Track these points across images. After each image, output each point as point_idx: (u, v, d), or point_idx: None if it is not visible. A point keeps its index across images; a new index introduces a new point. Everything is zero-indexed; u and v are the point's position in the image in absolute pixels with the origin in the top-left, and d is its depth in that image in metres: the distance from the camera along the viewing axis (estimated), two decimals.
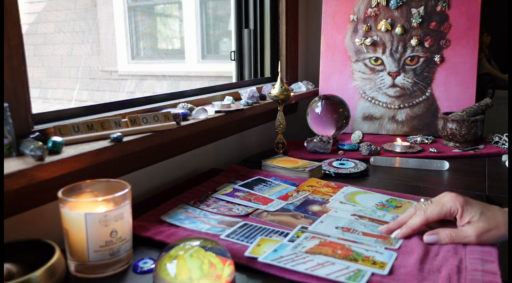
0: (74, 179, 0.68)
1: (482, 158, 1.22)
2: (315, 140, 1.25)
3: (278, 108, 1.20)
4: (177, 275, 0.55)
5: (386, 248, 0.68)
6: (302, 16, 1.68)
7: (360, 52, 1.50)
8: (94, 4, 4.03)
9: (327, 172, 1.07)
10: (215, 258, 0.57)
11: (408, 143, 1.29)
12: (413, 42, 1.45)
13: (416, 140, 1.37)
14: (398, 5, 1.46)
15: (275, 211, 0.83)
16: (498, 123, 1.93)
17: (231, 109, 1.11)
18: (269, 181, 0.99)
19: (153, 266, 0.64)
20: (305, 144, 1.27)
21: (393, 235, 0.73)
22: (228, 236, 0.72)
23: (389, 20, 1.47)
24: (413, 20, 1.45)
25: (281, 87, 1.16)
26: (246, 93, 1.24)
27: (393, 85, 1.48)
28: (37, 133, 0.73)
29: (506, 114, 1.88)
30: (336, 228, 0.75)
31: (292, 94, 1.18)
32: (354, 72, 1.51)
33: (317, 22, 1.64)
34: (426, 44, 1.45)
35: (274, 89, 1.16)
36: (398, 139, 1.30)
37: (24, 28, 2.08)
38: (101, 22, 4.04)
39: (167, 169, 1.01)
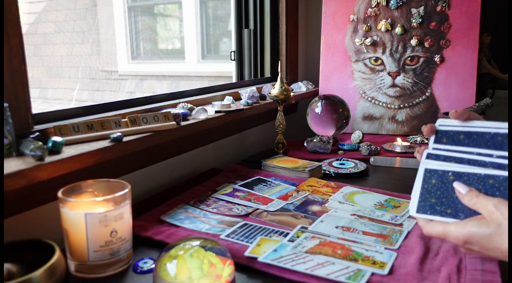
0: (74, 179, 0.68)
1: None
2: (315, 140, 1.25)
3: (278, 108, 1.20)
4: (177, 275, 0.55)
5: (386, 248, 0.68)
6: (302, 16, 1.68)
7: (360, 52, 1.50)
8: (94, 4, 4.03)
9: (327, 172, 1.07)
10: (215, 258, 0.57)
11: (408, 143, 1.29)
12: (413, 42, 1.45)
13: (416, 140, 1.37)
14: (398, 5, 1.46)
15: (275, 211, 0.83)
16: None
17: (231, 109, 1.11)
18: (269, 181, 0.99)
19: (153, 266, 0.64)
20: (305, 144, 1.27)
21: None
22: (228, 236, 0.72)
23: (389, 20, 1.47)
24: (413, 20, 1.45)
25: (281, 87, 1.16)
26: (246, 93, 1.24)
27: (393, 85, 1.48)
28: (37, 133, 0.73)
29: (506, 114, 1.88)
30: (336, 227, 0.75)
31: (292, 94, 1.18)
32: (354, 72, 1.51)
33: (317, 22, 1.64)
34: (426, 44, 1.45)
35: (274, 89, 1.16)
36: (398, 139, 1.30)
37: (24, 28, 2.07)
38: (101, 22, 4.04)
39: (167, 169, 1.01)
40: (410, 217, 0.80)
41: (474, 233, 0.56)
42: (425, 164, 0.65)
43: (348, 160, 1.14)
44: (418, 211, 0.62)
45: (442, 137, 0.66)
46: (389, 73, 1.48)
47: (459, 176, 0.62)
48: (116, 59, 4.10)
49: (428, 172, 0.64)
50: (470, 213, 0.59)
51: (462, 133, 0.65)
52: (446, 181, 0.63)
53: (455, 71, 1.43)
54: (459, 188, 0.62)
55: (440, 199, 0.62)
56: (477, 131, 0.64)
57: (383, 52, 1.48)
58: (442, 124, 0.67)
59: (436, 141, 0.66)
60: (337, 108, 1.32)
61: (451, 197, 0.61)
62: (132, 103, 1.00)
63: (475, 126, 0.64)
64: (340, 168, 1.09)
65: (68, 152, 0.69)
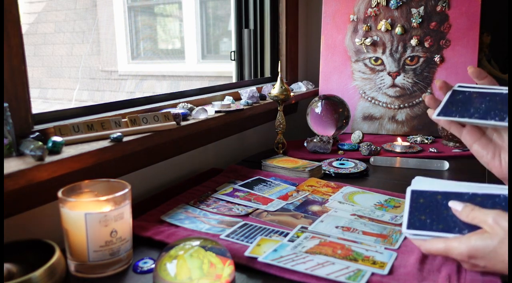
0: (74, 179, 0.68)
1: None
2: (315, 140, 1.25)
3: (278, 108, 1.20)
4: (177, 275, 0.55)
5: (386, 248, 0.68)
6: (302, 16, 1.68)
7: (360, 52, 1.50)
8: (94, 4, 4.03)
9: (327, 172, 1.07)
10: (215, 258, 0.57)
11: (408, 143, 1.29)
12: (413, 42, 1.45)
13: (416, 140, 1.37)
14: (398, 5, 1.46)
15: (275, 211, 0.83)
16: None
17: (231, 109, 1.11)
18: (269, 181, 0.99)
19: (153, 266, 0.64)
20: (305, 144, 1.27)
21: None
22: (228, 236, 0.72)
23: (389, 20, 1.47)
24: (413, 20, 1.45)
25: (281, 87, 1.16)
26: (246, 93, 1.24)
27: (393, 85, 1.48)
28: (37, 133, 0.73)
29: None
30: (336, 227, 0.75)
31: (292, 94, 1.18)
32: (354, 72, 1.51)
33: (317, 22, 1.64)
34: (426, 44, 1.45)
35: (274, 89, 1.16)
36: (398, 139, 1.30)
37: (24, 28, 2.08)
38: (101, 22, 4.04)
39: (167, 169, 1.01)
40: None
41: (479, 247, 0.56)
42: (410, 187, 0.66)
43: (348, 160, 1.14)
44: (408, 227, 0.62)
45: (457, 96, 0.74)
46: (389, 73, 1.48)
47: (446, 196, 0.63)
48: (116, 59, 4.10)
49: (415, 193, 0.65)
50: (464, 227, 0.59)
51: (475, 93, 0.73)
52: (434, 200, 0.63)
53: (455, 71, 1.43)
54: (455, 206, 0.62)
55: (431, 216, 0.62)
56: (491, 92, 0.72)
57: (383, 52, 1.48)
58: (461, 85, 0.76)
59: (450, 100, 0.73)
60: (337, 108, 1.32)
61: (441, 214, 0.62)
62: (132, 103, 1.00)
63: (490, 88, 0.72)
64: (340, 168, 1.09)
65: (68, 152, 0.69)
